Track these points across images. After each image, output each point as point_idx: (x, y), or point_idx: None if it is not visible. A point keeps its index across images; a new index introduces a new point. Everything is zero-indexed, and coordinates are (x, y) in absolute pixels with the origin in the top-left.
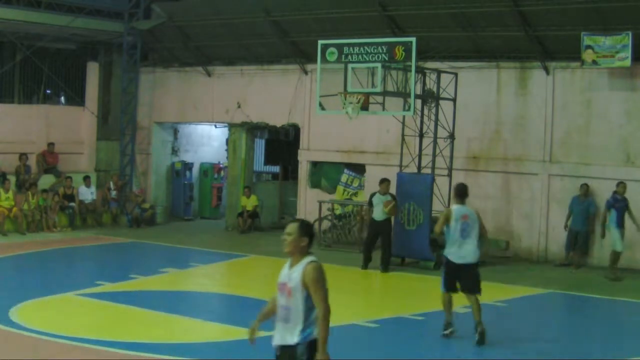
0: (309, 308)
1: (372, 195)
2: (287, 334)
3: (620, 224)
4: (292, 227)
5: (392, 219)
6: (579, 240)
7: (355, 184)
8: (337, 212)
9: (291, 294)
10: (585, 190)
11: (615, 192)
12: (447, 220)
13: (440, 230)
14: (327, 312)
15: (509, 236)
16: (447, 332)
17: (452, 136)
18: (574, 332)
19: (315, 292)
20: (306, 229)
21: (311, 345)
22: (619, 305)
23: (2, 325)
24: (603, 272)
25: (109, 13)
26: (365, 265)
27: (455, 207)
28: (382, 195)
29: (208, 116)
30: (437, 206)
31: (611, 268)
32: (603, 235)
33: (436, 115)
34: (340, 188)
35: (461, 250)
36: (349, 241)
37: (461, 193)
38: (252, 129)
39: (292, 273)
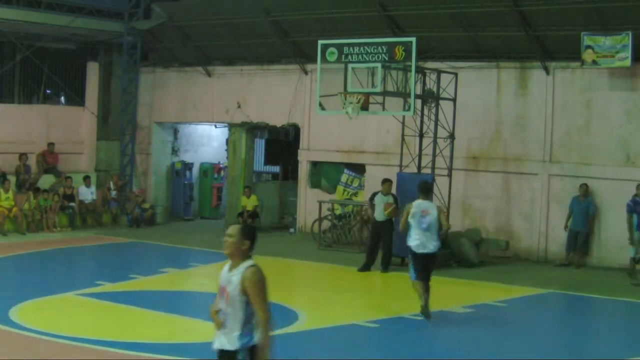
0: (249, 314)
1: (374, 194)
2: (225, 339)
3: None
4: (233, 229)
5: (393, 218)
6: (579, 240)
7: (355, 184)
8: (337, 212)
9: (229, 298)
10: (585, 190)
11: (635, 195)
12: (408, 214)
13: (403, 227)
14: (266, 318)
15: (509, 236)
16: (424, 312)
17: (452, 136)
18: (573, 332)
19: (254, 297)
20: (248, 232)
21: (253, 351)
22: (619, 305)
23: (2, 325)
24: (603, 272)
25: (109, 13)
26: (364, 269)
27: (415, 202)
28: (384, 196)
29: (208, 116)
30: None
31: (630, 273)
32: (632, 242)
33: (436, 115)
34: (340, 188)
35: (422, 242)
36: (349, 241)
37: (424, 189)
38: (252, 129)
39: (232, 277)
